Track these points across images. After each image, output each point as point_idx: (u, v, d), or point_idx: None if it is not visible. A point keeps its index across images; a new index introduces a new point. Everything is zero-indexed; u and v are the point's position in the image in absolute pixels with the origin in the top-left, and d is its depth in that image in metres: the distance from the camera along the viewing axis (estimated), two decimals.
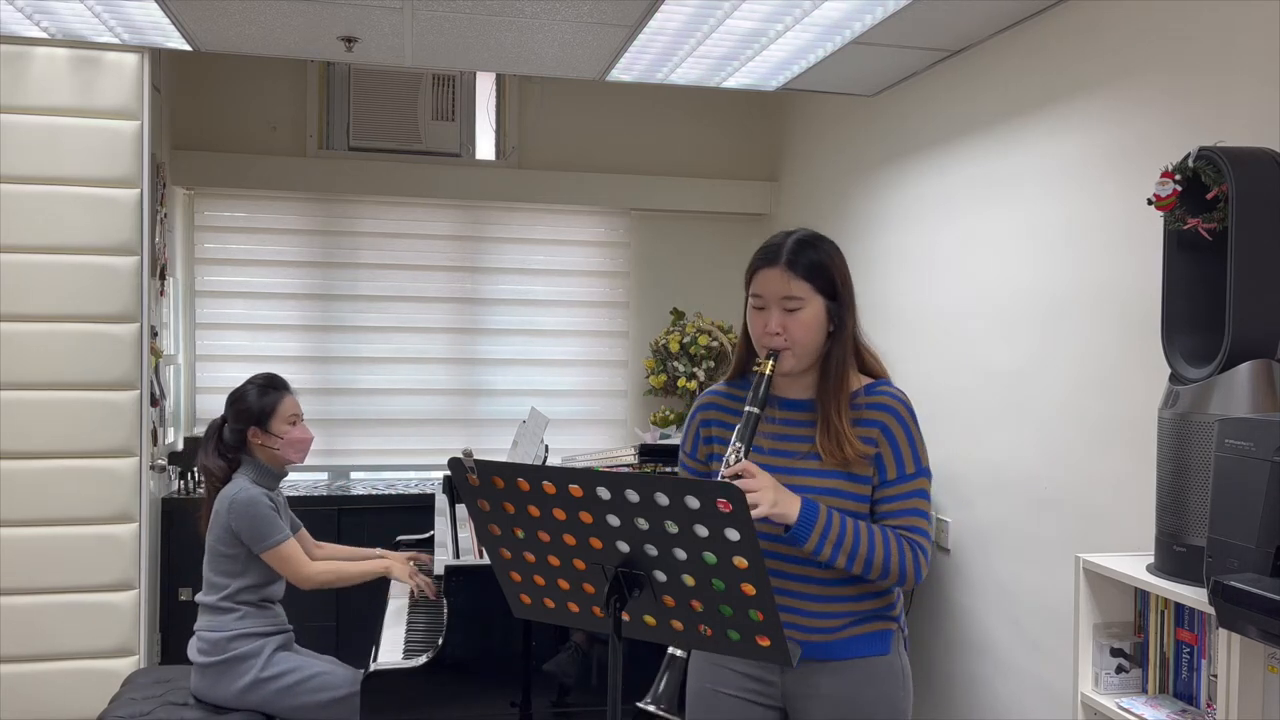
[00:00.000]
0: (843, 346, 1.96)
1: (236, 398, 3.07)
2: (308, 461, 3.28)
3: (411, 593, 3.14)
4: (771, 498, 1.82)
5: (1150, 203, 2.09)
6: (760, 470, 1.84)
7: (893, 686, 1.99)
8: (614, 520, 1.59)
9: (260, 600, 2.98)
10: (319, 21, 3.12)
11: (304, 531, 3.20)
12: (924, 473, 1.96)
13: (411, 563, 3.13)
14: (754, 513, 1.79)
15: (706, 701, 2.04)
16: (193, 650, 2.95)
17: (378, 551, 3.27)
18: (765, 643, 1.61)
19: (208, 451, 3.05)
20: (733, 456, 1.86)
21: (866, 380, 2.00)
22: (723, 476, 1.84)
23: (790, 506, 1.84)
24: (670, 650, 1.81)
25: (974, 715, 3.26)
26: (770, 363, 1.91)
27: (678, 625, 1.67)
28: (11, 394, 3.60)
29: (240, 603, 2.94)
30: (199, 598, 2.99)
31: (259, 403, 3.03)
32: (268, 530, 2.92)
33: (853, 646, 1.97)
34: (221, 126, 4.59)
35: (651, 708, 1.70)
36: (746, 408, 1.90)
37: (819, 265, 1.93)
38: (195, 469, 4.16)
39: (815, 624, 1.95)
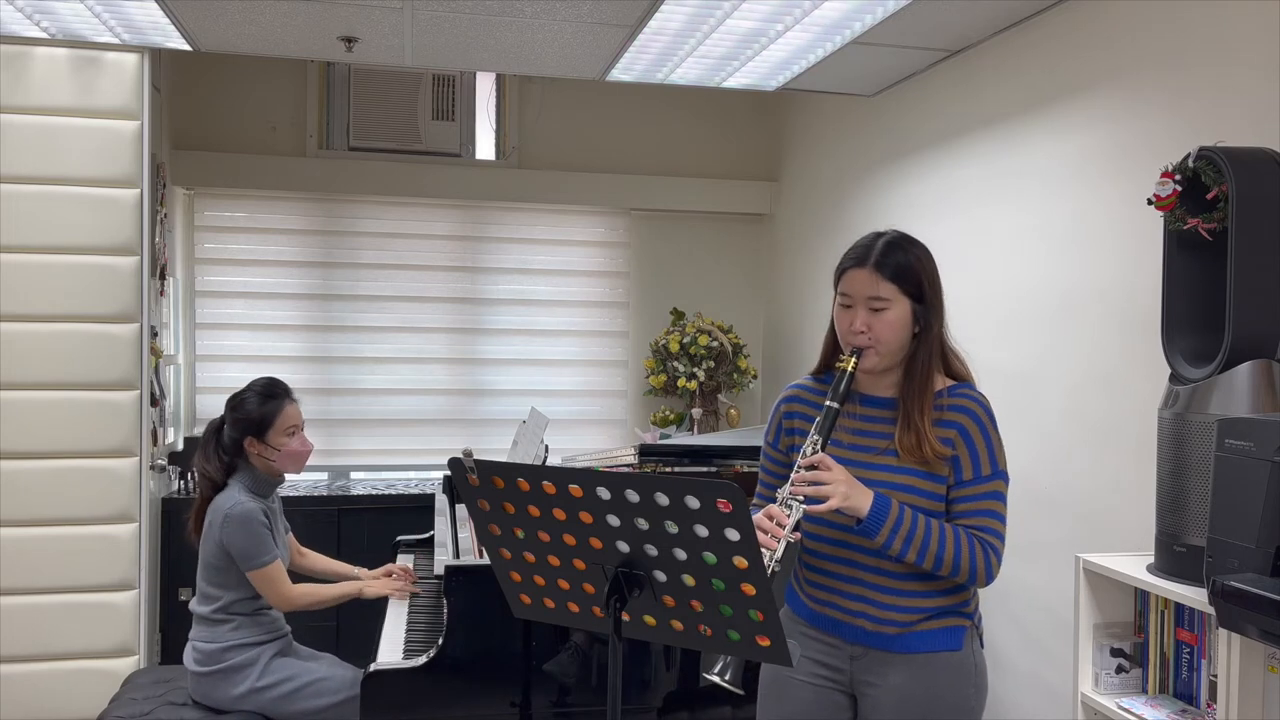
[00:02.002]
0: (928, 348, 1.98)
1: (236, 403, 2.98)
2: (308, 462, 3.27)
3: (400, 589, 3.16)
4: (844, 490, 1.86)
5: (1150, 203, 2.09)
6: (836, 464, 1.89)
7: (963, 683, 2.00)
8: (614, 520, 1.59)
9: (255, 610, 2.94)
10: (319, 21, 3.12)
11: (290, 536, 3.18)
12: (1001, 475, 1.98)
13: (388, 575, 3.16)
14: (826, 505, 1.86)
15: (780, 687, 2.08)
16: (188, 659, 2.92)
17: (355, 572, 3.25)
18: (765, 643, 1.61)
19: (205, 455, 2.97)
20: (810, 449, 1.92)
21: (950, 382, 2.03)
22: (799, 468, 1.89)
23: (863, 500, 1.87)
24: None
25: None
26: (853, 360, 1.94)
27: (678, 625, 1.67)
28: (11, 394, 3.60)
29: (234, 614, 2.90)
30: (193, 605, 2.95)
31: (258, 412, 2.94)
32: (257, 550, 2.86)
33: (925, 640, 1.98)
34: (221, 126, 4.59)
35: (715, 678, 1.72)
36: (827, 402, 1.94)
37: (906, 267, 1.96)
38: (192, 470, 4.16)
39: (888, 616, 1.98)
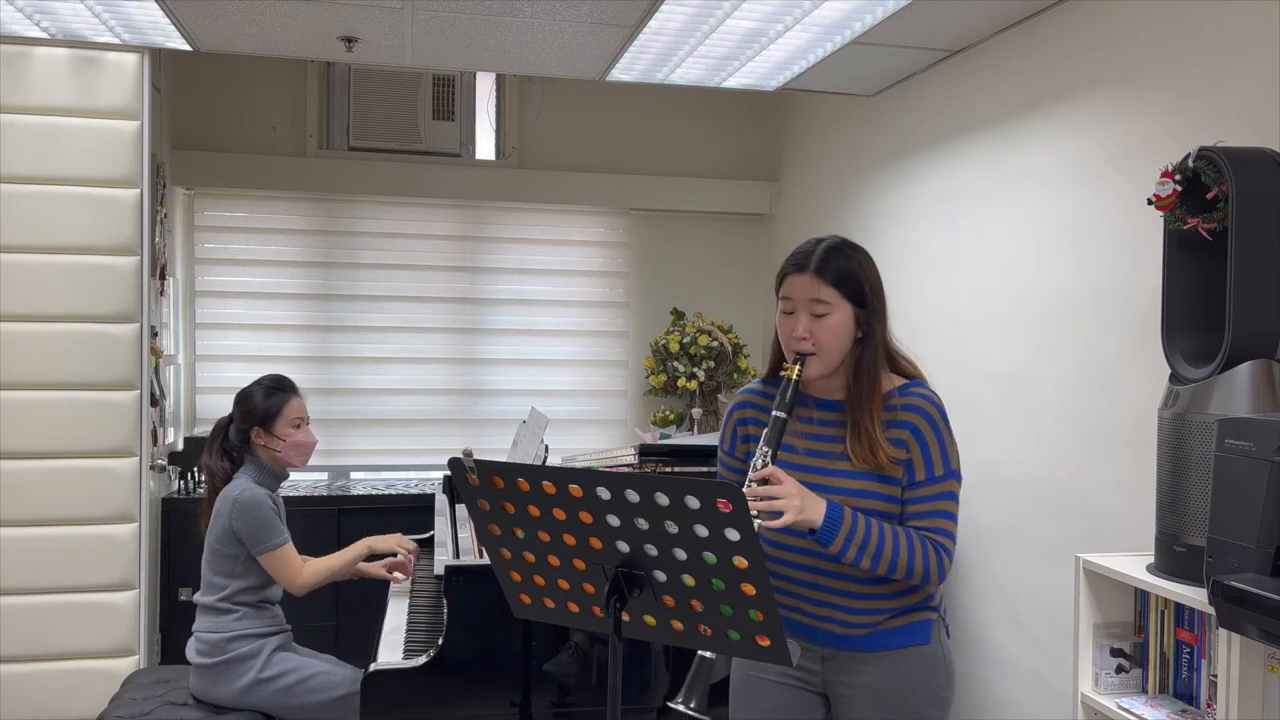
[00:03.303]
0: (872, 352, 1.98)
1: (244, 397, 3.07)
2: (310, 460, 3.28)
3: (411, 589, 3.16)
4: (797, 504, 1.85)
5: (1150, 203, 2.09)
6: (786, 476, 1.88)
7: (934, 675, 2.02)
8: (614, 520, 1.59)
9: (259, 601, 2.98)
10: (319, 21, 3.12)
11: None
12: (953, 475, 1.99)
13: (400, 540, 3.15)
14: (780, 521, 1.84)
15: (751, 688, 2.08)
16: (191, 651, 2.95)
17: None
18: (765, 643, 1.61)
19: (212, 451, 3.05)
20: (760, 461, 1.90)
21: (900, 381, 2.03)
22: (750, 481, 1.87)
23: (815, 511, 1.87)
24: (700, 652, 1.82)
25: (974, 715, 3.26)
26: (797, 367, 1.94)
27: (678, 625, 1.67)
28: (11, 394, 3.60)
29: (239, 603, 2.94)
30: (197, 598, 2.99)
31: (264, 403, 3.03)
32: (268, 532, 2.91)
33: (893, 637, 2.00)
34: (221, 126, 4.59)
35: (681, 707, 1.71)
36: (774, 412, 1.93)
37: (848, 273, 1.96)
38: (196, 468, 4.17)
39: (855, 619, 1.99)
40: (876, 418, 1.96)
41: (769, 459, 1.90)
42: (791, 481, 1.87)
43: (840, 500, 1.92)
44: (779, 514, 1.84)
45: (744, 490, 1.86)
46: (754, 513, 1.85)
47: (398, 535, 3.19)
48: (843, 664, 2.01)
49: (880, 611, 1.99)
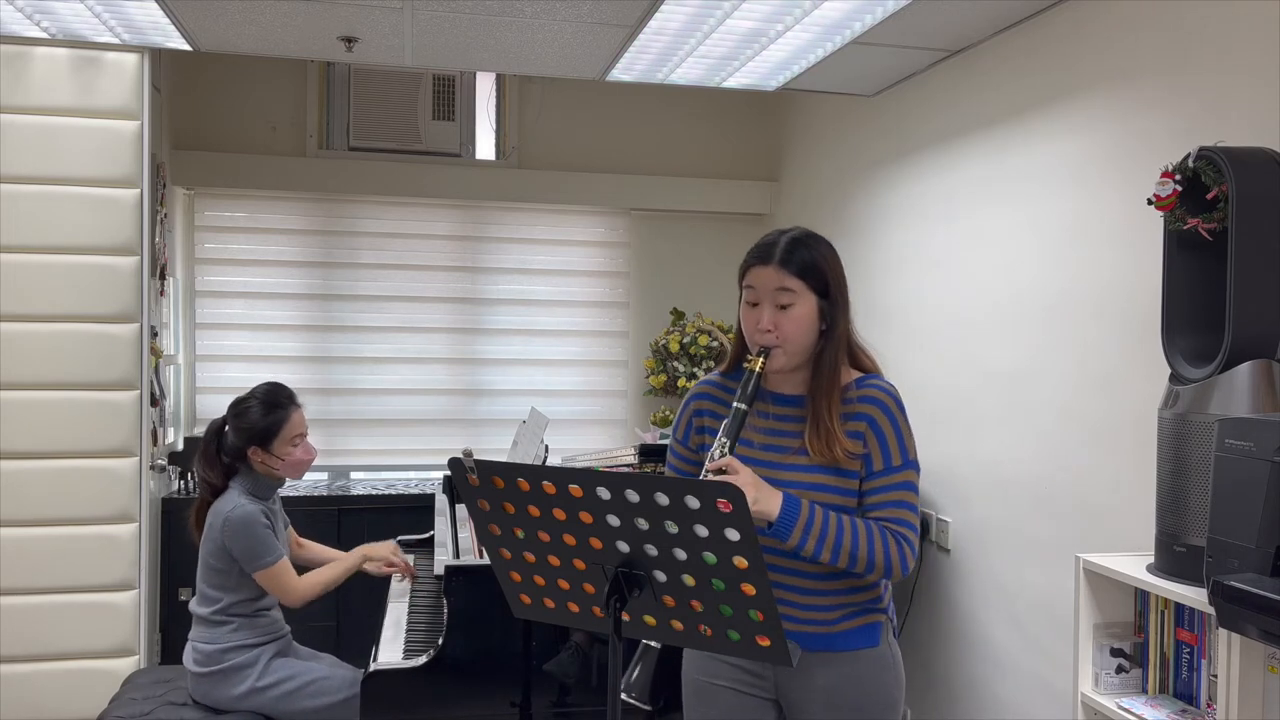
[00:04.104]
0: (835, 345, 1.96)
1: (240, 411, 2.94)
2: None
3: (411, 589, 3.15)
4: (753, 495, 1.81)
5: (1150, 203, 2.09)
6: (743, 467, 1.85)
7: (884, 677, 2.00)
8: (614, 520, 1.59)
9: (254, 612, 2.93)
10: (319, 21, 3.12)
11: (290, 530, 3.16)
12: (911, 465, 1.97)
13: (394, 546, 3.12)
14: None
15: (703, 694, 2.06)
16: (188, 659, 2.91)
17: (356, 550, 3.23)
18: (765, 643, 1.61)
19: (206, 459, 2.94)
20: (718, 452, 1.87)
21: (857, 374, 2.01)
22: (706, 471, 1.85)
23: (771, 503, 1.84)
24: (644, 641, 1.80)
25: (974, 715, 3.26)
26: (761, 360, 1.92)
27: (678, 625, 1.67)
28: (11, 394, 3.60)
29: (233, 615, 2.90)
30: (193, 606, 2.95)
31: (263, 421, 2.91)
32: (261, 551, 2.85)
33: (845, 640, 1.98)
34: (221, 126, 4.59)
35: (623, 696, 1.69)
36: (735, 404, 1.91)
37: (812, 264, 1.94)
38: (192, 470, 4.16)
39: (808, 615, 1.97)
40: (835, 411, 1.94)
41: (727, 450, 1.87)
42: (748, 472, 1.84)
43: (797, 494, 1.90)
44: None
45: (700, 479, 1.84)
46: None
47: (391, 544, 3.14)
48: (793, 669, 1.97)
49: (833, 608, 1.97)
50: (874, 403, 1.96)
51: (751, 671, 2.02)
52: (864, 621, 2.00)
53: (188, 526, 3.01)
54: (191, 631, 2.94)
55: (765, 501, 1.83)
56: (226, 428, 2.97)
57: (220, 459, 2.95)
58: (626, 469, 3.81)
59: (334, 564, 3.06)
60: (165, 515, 4.05)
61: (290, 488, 4.06)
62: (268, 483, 2.98)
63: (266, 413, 2.93)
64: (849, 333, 2.00)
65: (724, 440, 1.88)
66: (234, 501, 2.89)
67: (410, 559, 3.17)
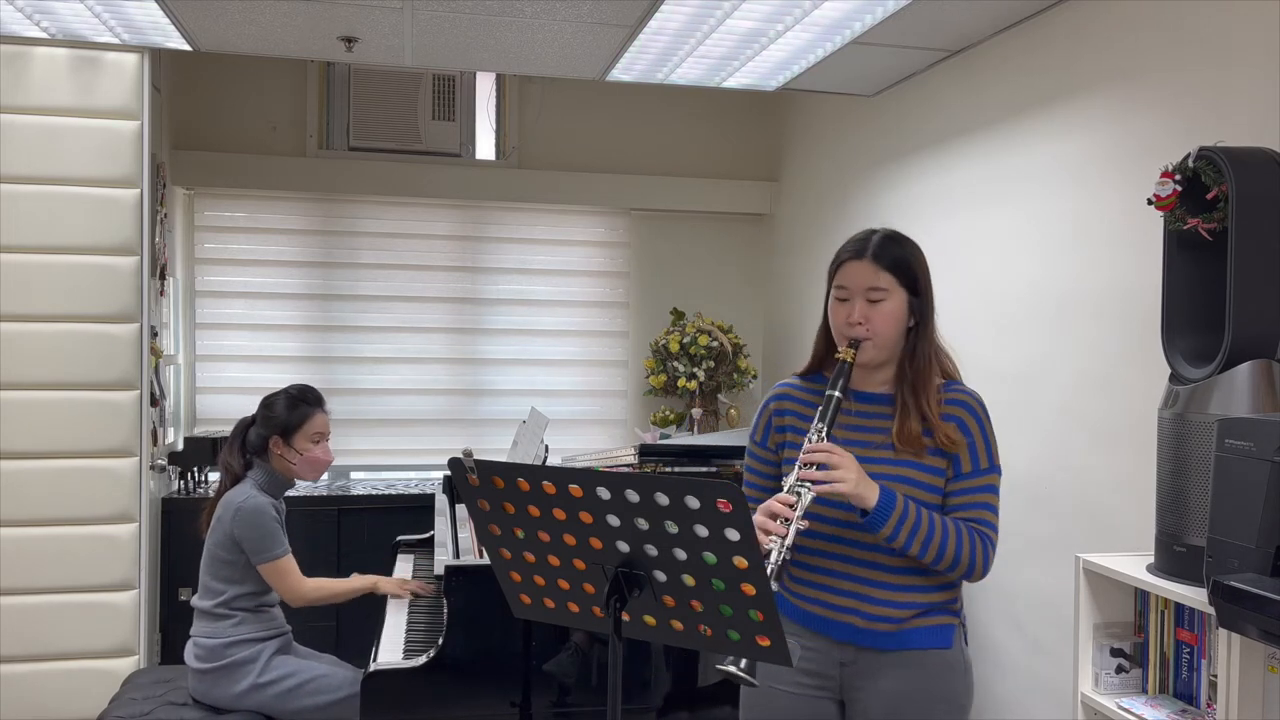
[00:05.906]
0: (926, 340, 2.00)
1: (269, 403, 3.06)
2: None
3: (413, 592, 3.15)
4: (855, 478, 1.86)
5: (1150, 203, 2.09)
6: (845, 451, 1.89)
7: (955, 680, 2.01)
8: (614, 520, 1.59)
9: (257, 606, 2.96)
10: (319, 21, 3.12)
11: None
12: (996, 469, 2.01)
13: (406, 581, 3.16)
14: (838, 488, 1.85)
15: (762, 697, 2.05)
16: (189, 655, 2.93)
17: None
18: (765, 643, 1.61)
19: (231, 449, 3.04)
20: (814, 436, 1.91)
21: (942, 380, 2.04)
22: (805, 454, 1.88)
23: (870, 491, 1.87)
24: None
25: (974, 715, 3.26)
26: (852, 351, 1.95)
27: (678, 625, 1.67)
28: (11, 394, 3.60)
29: (236, 609, 2.92)
30: (195, 601, 2.97)
31: (287, 415, 3.02)
32: (270, 543, 2.89)
33: (916, 638, 1.98)
34: (221, 126, 4.59)
35: (731, 667, 1.69)
36: (828, 391, 1.94)
37: (903, 260, 1.99)
38: (197, 468, 4.16)
39: (880, 611, 1.97)
40: (933, 401, 1.97)
41: (824, 435, 1.91)
42: (849, 456, 1.88)
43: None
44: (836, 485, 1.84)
45: (799, 459, 1.89)
46: (808, 483, 1.85)
47: (400, 580, 3.18)
48: (861, 669, 1.98)
49: (907, 605, 1.97)
50: (963, 406, 2.00)
51: (815, 674, 2.02)
52: (937, 621, 2.00)
53: (198, 527, 3.05)
54: (193, 628, 2.96)
55: (864, 488, 1.87)
56: (254, 423, 3.05)
57: (244, 452, 3.03)
58: (626, 469, 3.81)
59: (343, 580, 3.10)
60: (165, 515, 4.05)
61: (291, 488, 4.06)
62: (282, 480, 3.05)
63: (293, 407, 3.03)
64: (935, 333, 2.03)
65: (820, 425, 1.92)
66: (247, 492, 2.95)
67: (410, 571, 3.18)
